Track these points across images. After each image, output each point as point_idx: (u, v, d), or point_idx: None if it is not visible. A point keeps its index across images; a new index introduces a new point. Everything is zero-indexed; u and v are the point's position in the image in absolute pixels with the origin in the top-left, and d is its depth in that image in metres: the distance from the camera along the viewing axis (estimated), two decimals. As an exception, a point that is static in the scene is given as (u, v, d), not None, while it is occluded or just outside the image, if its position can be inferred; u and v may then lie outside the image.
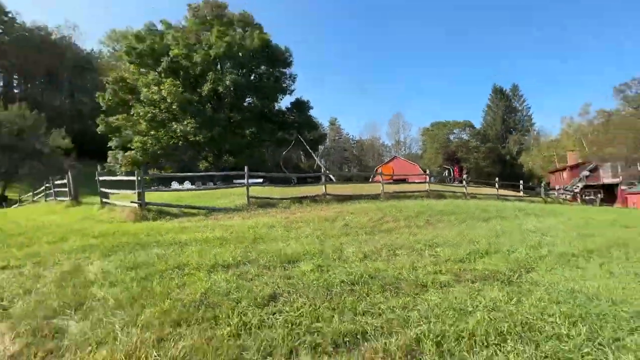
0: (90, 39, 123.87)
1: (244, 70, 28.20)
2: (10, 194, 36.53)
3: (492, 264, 5.22)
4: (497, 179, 19.30)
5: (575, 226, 9.71)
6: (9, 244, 6.03)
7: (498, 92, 78.32)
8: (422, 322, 3.03)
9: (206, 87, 25.77)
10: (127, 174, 26.59)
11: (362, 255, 5.39)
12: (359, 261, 5.09)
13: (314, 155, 34.32)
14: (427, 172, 19.55)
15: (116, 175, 23.53)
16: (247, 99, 29.78)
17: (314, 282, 4.00)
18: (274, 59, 29.57)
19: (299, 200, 11.45)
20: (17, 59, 64.67)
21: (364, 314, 3.20)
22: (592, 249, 6.56)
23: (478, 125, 75.00)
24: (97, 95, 28.59)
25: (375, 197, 13.42)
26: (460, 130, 67.75)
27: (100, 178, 11.15)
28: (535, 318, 3.21)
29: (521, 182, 21.74)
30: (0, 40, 67.41)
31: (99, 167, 17.08)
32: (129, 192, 12.05)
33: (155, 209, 9.39)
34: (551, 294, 3.92)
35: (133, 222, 8.47)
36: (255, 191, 12.05)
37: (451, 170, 37.66)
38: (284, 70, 30.98)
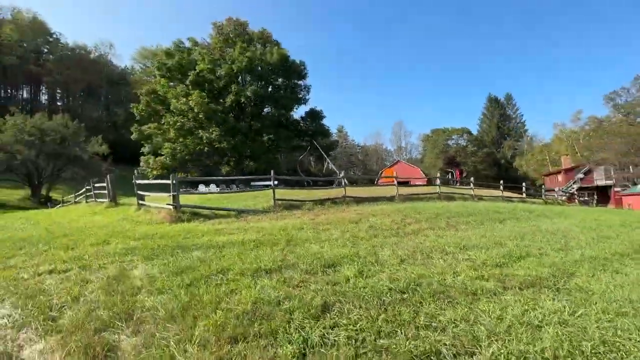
0: (124, 56, 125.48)
1: (263, 82, 28.01)
2: (54, 195, 36.91)
3: (530, 268, 4.68)
4: (501, 181, 18.60)
5: (589, 228, 9.05)
6: (55, 245, 5.70)
7: (493, 101, 77.05)
8: (493, 339, 2.54)
9: (229, 98, 25.64)
10: (157, 177, 26.53)
11: (399, 259, 4.90)
12: (397, 265, 4.61)
13: (328, 161, 33.90)
14: (438, 175, 18.85)
15: (148, 179, 23.36)
16: (265, 109, 29.61)
17: (362, 289, 3.53)
18: (291, 72, 29.35)
19: (321, 202, 10.99)
20: (61, 76, 65.76)
21: (426, 328, 2.72)
22: (621, 252, 5.97)
23: (474, 132, 73.90)
24: (131, 106, 28.70)
25: (390, 199, 12.91)
26: (458, 136, 66.66)
27: (137, 181, 10.86)
28: (612, 334, 2.70)
29: (524, 184, 20.98)
30: (46, 59, 68.79)
31: (135, 172, 16.88)
32: (161, 194, 11.78)
33: (188, 210, 9.04)
34: (611, 304, 3.39)
35: (169, 224, 8.11)
36: (279, 194, 11.63)
37: (453, 173, 36.77)
38: (299, 82, 30.77)
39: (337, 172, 31.37)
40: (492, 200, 16.78)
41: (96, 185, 14.71)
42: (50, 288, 3.49)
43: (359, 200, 11.90)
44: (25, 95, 72.85)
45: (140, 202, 10.72)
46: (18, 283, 3.66)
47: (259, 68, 26.63)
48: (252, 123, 27.78)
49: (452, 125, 67.39)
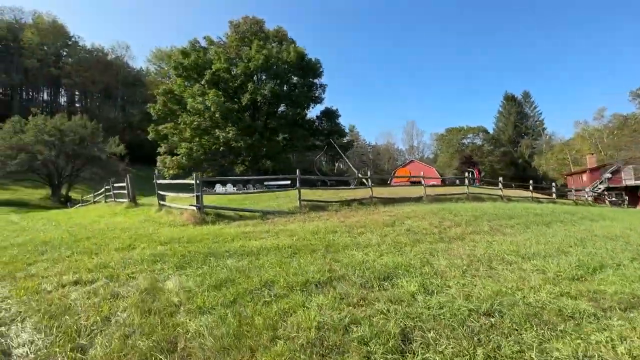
0: (139, 58, 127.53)
1: (279, 81, 27.55)
2: (73, 195, 37.43)
3: (618, 283, 4.00)
4: (530, 181, 17.64)
5: (645, 232, 8.21)
6: (79, 250, 5.31)
7: (510, 99, 74.90)
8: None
9: (245, 97, 25.26)
10: (174, 177, 26.42)
11: (459, 270, 4.29)
12: (460, 277, 4.01)
13: (346, 160, 33.28)
14: (466, 175, 17.94)
15: (165, 178, 23.23)
16: (280, 108, 29.16)
17: (437, 310, 2.96)
18: (307, 70, 28.80)
19: (347, 203, 10.43)
20: (79, 78, 67.04)
21: (544, 369, 2.13)
22: None
23: (490, 131, 72.00)
24: (148, 106, 28.73)
25: (418, 200, 12.24)
26: (474, 135, 65.00)
27: (157, 181, 10.51)
28: None
29: (553, 184, 19.90)
30: (65, 61, 70.28)
31: (156, 171, 16.66)
32: (180, 194, 11.42)
33: (212, 212, 8.60)
34: None
35: (193, 226, 7.68)
36: (303, 194, 11.11)
37: (473, 172, 35.63)
38: (314, 80, 30.21)
39: (356, 172, 30.77)
40: (521, 200, 15.90)
41: (115, 185, 14.51)
42: (77, 304, 3.03)
43: (386, 201, 11.28)
44: (45, 97, 74.63)
45: (161, 202, 10.37)
46: (40, 297, 3.22)
47: (275, 66, 26.20)
48: (267, 122, 27.34)
49: (466, 124, 65.78)
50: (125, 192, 15.07)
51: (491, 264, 4.70)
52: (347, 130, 32.54)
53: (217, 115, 24.38)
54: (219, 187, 21.50)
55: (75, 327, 2.57)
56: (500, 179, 16.05)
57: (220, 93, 24.28)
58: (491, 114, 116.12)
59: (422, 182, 13.61)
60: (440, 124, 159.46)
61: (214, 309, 2.90)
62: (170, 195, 10.75)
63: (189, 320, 2.70)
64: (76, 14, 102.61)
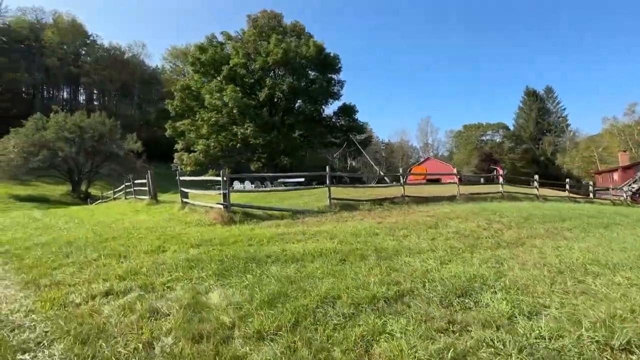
0: (155, 55, 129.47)
1: (297, 76, 26.97)
2: (93, 191, 38.01)
3: None
4: (567, 180, 16.60)
5: None
6: (105, 252, 4.89)
7: (531, 95, 72.20)
8: None
9: (263, 92, 24.81)
10: (191, 173, 26.32)
11: (545, 284, 3.64)
12: (550, 293, 3.37)
13: (367, 157, 32.59)
14: (499, 172, 16.96)
15: (182, 175, 22.98)
16: (297, 103, 28.60)
17: (557, 343, 2.34)
18: (326, 65, 28.10)
19: (379, 202, 9.82)
20: (97, 76, 68.26)
21: None
22: None
23: (510, 127, 69.73)
24: (166, 102, 28.68)
25: (451, 199, 11.51)
26: (493, 132, 63.03)
27: (181, 178, 10.13)
28: None
29: (591, 184, 18.75)
30: (84, 60, 71.71)
31: (179, 167, 16.40)
32: (202, 192, 11.04)
33: (239, 210, 8.14)
34: None
35: (222, 226, 7.24)
36: (331, 192, 10.55)
37: (496, 170, 34.32)
38: (332, 76, 29.52)
39: (377, 169, 30.04)
40: (558, 200, 14.92)
41: (135, 181, 14.30)
42: (111, 323, 2.55)
43: (418, 200, 10.61)
44: (65, 95, 76.42)
45: (184, 200, 9.99)
46: (69, 313, 2.76)
47: (294, 61, 25.64)
48: (285, 118, 26.81)
49: (485, 121, 63.82)
50: (146, 189, 14.87)
51: (576, 275, 4.03)
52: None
53: (234, 112, 24.02)
54: (237, 184, 21.20)
55: (113, 359, 2.07)
56: (536, 177, 15.08)
57: (237, 89, 23.90)
58: (510, 110, 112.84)
59: (455, 180, 12.85)
60: (456, 121, 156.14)
61: (277, 334, 2.36)
62: (192, 192, 10.36)
63: (250, 350, 2.17)
64: (93, 13, 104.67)
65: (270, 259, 4.31)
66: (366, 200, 9.79)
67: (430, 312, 2.81)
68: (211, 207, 8.44)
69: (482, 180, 26.80)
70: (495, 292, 3.34)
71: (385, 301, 3.00)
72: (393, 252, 4.89)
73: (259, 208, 8.43)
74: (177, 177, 10.17)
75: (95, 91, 79.59)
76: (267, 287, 3.25)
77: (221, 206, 8.01)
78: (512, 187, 14.85)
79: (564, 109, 71.03)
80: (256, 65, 25.28)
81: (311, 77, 28.12)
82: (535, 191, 14.82)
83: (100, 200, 22.21)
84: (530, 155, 59.38)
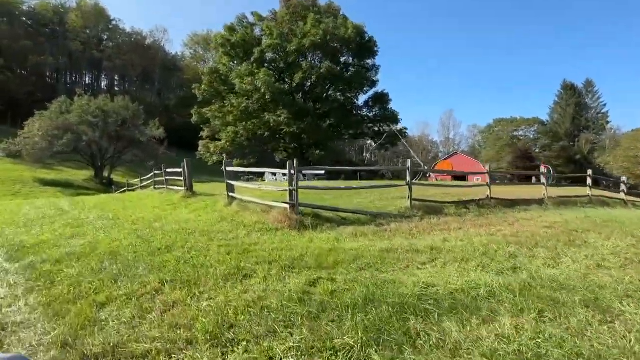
0: (175, 42, 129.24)
1: (333, 60, 24.99)
2: (115, 177, 37.58)
3: None
4: (623, 179, 14.35)
5: None
6: (168, 277, 3.43)
7: (569, 89, 67.75)
8: None
9: (297, 77, 23.07)
10: (220, 163, 25.13)
11: None
12: None
13: (411, 152, 30.65)
14: (544, 171, 14.76)
15: (207, 165, 21.75)
16: (331, 90, 26.72)
17: None
18: (363, 49, 26.00)
19: (464, 205, 8.14)
20: (119, 61, 68.02)
21: None
22: None
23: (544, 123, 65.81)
24: (193, 86, 27.36)
25: (539, 202, 9.69)
26: (526, 127, 59.53)
27: (228, 169, 8.67)
28: None
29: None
30: (106, 45, 71.58)
31: (225, 156, 15.01)
32: (248, 185, 9.60)
33: (309, 212, 6.63)
34: None
35: (291, 231, 5.74)
36: (400, 192, 8.92)
37: (549, 169, 31.74)
38: (368, 61, 27.40)
39: (422, 164, 28.10)
40: (646, 207, 12.81)
41: (168, 170, 13.01)
42: None
43: (506, 204, 8.85)
44: (87, 80, 76.82)
45: (231, 194, 8.56)
46: None
47: (332, 43, 23.71)
48: (319, 106, 24.99)
49: (519, 115, 60.28)
50: (180, 179, 13.60)
51: None
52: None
53: (267, 97, 22.41)
54: (268, 176, 19.79)
55: None
56: (624, 179, 13.00)
57: (271, 72, 22.24)
58: (543, 105, 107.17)
59: (544, 181, 10.95)
60: (479, 116, 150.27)
61: None
62: (238, 185, 8.92)
63: None
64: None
65: (429, 304, 2.73)
66: (449, 203, 8.12)
67: None
68: (270, 206, 6.95)
69: (533, 180, 24.42)
70: None
71: None
72: (589, 293, 3.22)
73: (329, 209, 6.89)
74: (224, 168, 8.70)
75: (116, 77, 79.74)
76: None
77: (286, 206, 6.50)
78: (598, 191, 12.83)
79: (604, 104, 66.47)
80: (291, 47, 23.41)
81: (349, 61, 26.07)
82: (621, 196, 12.76)
83: (125, 189, 21.26)
84: (567, 154, 55.77)
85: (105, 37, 73.03)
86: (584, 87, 68.07)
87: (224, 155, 18.17)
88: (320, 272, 3.60)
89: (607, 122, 65.16)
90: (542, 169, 37.26)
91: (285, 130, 22.91)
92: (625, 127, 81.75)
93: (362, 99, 28.23)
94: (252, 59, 23.83)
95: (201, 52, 73.86)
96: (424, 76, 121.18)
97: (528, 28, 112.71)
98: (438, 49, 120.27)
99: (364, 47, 25.83)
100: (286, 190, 6.64)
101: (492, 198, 8.79)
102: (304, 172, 21.27)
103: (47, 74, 66.73)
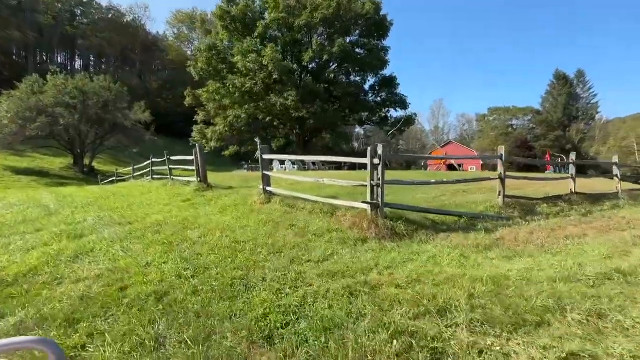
0: (158, 20, 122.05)
1: (343, 38, 22.80)
2: (97, 165, 34.61)
3: None
4: None
5: None
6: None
7: (561, 78, 68.04)
8: None
9: (307, 56, 20.92)
10: (219, 150, 22.96)
11: None
12: None
13: (433, 142, 28.96)
14: (548, 160, 13.56)
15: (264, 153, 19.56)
16: (342, 71, 24.61)
17: None
18: (376, 27, 23.84)
19: (552, 201, 6.77)
20: (95, 39, 62.94)
21: None
22: None
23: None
24: (188, 64, 24.69)
25: (613, 197, 8.46)
26: (522, 116, 59.50)
27: (264, 156, 6.89)
28: None
29: None
30: (80, 21, 65.90)
31: (258, 140, 13.03)
32: (294, 177, 7.90)
33: (392, 214, 5.05)
34: None
35: (392, 242, 4.15)
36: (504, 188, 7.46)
37: (562, 158, 31.14)
38: (379, 41, 25.25)
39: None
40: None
41: (173, 158, 11.05)
42: None
43: (591, 199, 7.56)
44: (60, 60, 70.94)
45: (268, 189, 6.85)
46: None
47: (345, 19, 21.51)
48: (331, 88, 22.80)
49: (512, 105, 60.09)
50: (182, 168, 11.71)
51: None
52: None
53: (274, 77, 20.19)
54: (277, 165, 18.00)
55: None
56: (615, 159, 12.07)
57: (278, 49, 19.98)
58: (532, 95, 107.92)
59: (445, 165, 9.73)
60: (468, 105, 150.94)
61: None
62: (278, 176, 7.22)
63: None
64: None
65: None
66: (539, 199, 6.74)
67: None
68: (334, 206, 5.32)
69: (551, 169, 23.73)
70: None
71: None
72: None
73: (423, 211, 5.32)
74: (260, 154, 6.91)
75: (92, 57, 74.07)
76: None
77: (365, 206, 4.89)
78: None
79: (595, 95, 67.25)
80: (300, 21, 21.09)
81: (361, 41, 23.94)
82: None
83: (114, 179, 18.96)
84: (560, 143, 56.23)
85: (79, 12, 67.26)
86: (575, 77, 68.57)
87: (258, 139, 15.73)
88: (539, 337, 2.05)
89: (597, 112, 66.14)
90: (548, 158, 36.82)
91: (293, 114, 20.86)
92: (613, 116, 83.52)
93: (368, 82, 26.38)
94: (256, 34, 21.36)
95: (186, 32, 69.49)
96: (413, 65, 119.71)
97: (520, 15, 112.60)
98: (428, 37, 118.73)
99: (377, 25, 23.71)
100: (362, 184, 5.02)
101: (576, 193, 7.47)
102: (320, 161, 19.57)
103: (14, 52, 61.04)
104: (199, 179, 9.29)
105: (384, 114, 26.97)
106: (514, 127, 57.43)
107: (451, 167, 45.78)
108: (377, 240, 4.41)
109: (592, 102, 68.26)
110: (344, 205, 5.35)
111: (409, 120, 27.39)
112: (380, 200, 4.80)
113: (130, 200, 8.12)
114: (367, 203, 4.84)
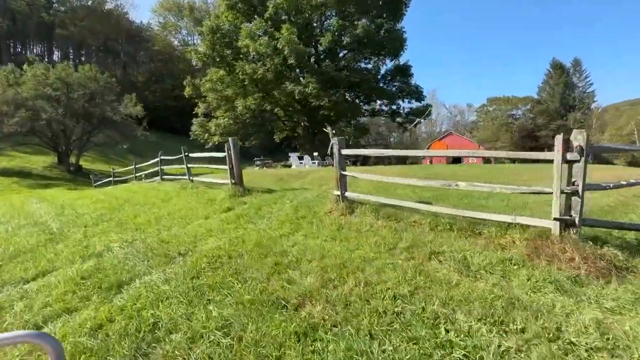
0: (143, 8, 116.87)
1: (367, 20, 20.74)
2: (84, 164, 32.00)
3: None
4: None
5: None
6: None
7: (557, 67, 67.90)
8: None
9: (325, 39, 18.88)
10: (222, 145, 20.93)
11: None
12: None
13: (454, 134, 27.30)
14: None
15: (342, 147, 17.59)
16: (361, 56, 22.50)
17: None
18: (393, 7, 21.84)
19: None
20: (75, 28, 58.91)
21: None
22: None
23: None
24: (189, 49, 22.41)
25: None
26: (522, 106, 59.03)
27: (343, 151, 5.18)
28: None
29: None
30: (57, 9, 61.55)
31: (330, 130, 11.15)
32: (357, 174, 6.17)
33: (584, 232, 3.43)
34: None
35: (605, 282, 2.52)
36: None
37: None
38: (393, 23, 23.27)
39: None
40: None
41: (190, 155, 9.19)
42: None
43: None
44: (36, 51, 66.38)
45: (346, 194, 5.16)
46: None
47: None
48: (348, 74, 20.79)
49: (511, 94, 59.50)
50: (196, 166, 9.90)
51: None
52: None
53: (290, 62, 18.10)
54: (294, 160, 16.22)
55: None
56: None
57: (294, 30, 17.87)
58: (528, 83, 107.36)
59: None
60: (461, 96, 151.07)
61: None
62: (364, 178, 5.53)
63: None
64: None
65: None
66: None
67: None
68: (482, 221, 3.69)
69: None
70: None
71: None
72: None
73: (616, 227, 3.72)
74: (336, 148, 5.17)
75: (71, 48, 69.64)
76: None
77: (549, 225, 3.27)
78: None
79: (591, 83, 67.40)
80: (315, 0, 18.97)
81: (378, 23, 21.88)
82: None
83: (110, 179, 16.81)
84: (559, 133, 56.11)
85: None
86: (572, 66, 68.50)
87: (329, 128, 13.65)
88: None
89: (594, 101, 66.36)
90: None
91: (313, 103, 18.88)
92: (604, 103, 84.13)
93: (383, 68, 24.46)
94: (267, 16, 19.07)
95: (173, 20, 65.91)
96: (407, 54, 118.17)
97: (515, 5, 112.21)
98: (421, 29, 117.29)
99: (394, 4, 21.70)
100: (546, 192, 3.40)
101: None
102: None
103: (-15, 42, 56.53)
104: (232, 181, 7.49)
105: (396, 106, 25.35)
106: (515, 117, 56.81)
107: (457, 160, 44.66)
108: (595, 278, 2.81)
109: (587, 90, 68.49)
110: (495, 219, 3.71)
111: (425, 112, 25.82)
112: (577, 215, 3.19)
113: (153, 211, 6.29)
114: (559, 220, 3.21)
